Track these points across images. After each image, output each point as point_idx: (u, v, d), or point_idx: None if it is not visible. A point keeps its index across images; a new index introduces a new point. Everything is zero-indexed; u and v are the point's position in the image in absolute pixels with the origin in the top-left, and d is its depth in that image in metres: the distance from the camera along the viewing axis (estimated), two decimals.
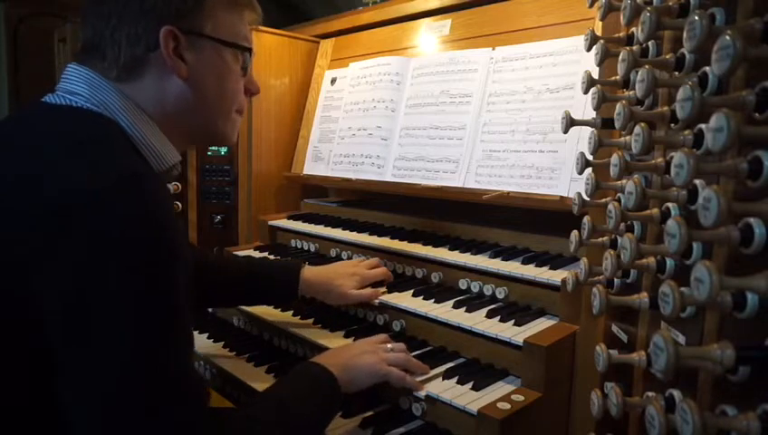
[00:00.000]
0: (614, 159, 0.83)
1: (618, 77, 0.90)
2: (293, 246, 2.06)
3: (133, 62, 0.96)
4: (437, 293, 1.48)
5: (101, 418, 0.79)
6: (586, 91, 0.97)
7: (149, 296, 0.80)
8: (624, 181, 0.84)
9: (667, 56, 0.79)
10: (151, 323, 0.80)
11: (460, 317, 1.34)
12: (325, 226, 1.99)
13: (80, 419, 0.80)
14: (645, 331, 0.87)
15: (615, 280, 0.95)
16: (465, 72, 1.76)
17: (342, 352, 1.25)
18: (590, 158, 0.98)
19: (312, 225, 2.03)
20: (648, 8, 0.74)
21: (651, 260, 0.79)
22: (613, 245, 0.93)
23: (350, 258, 1.80)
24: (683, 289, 0.61)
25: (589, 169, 0.98)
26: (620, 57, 0.83)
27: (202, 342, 1.71)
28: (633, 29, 0.92)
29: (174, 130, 1.02)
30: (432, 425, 1.21)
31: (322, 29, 2.39)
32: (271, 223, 2.16)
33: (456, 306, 1.41)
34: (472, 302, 1.41)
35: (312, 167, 2.21)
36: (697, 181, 0.68)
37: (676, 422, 0.58)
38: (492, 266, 1.43)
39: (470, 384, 1.20)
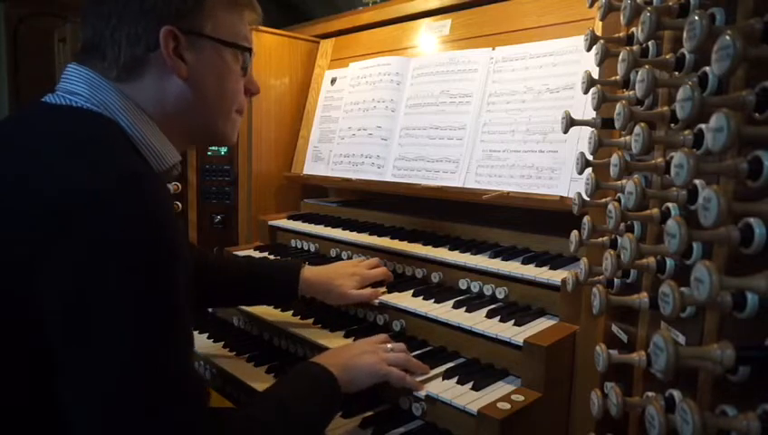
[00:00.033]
0: (614, 159, 0.83)
1: (618, 77, 0.90)
2: (293, 246, 2.06)
3: (133, 62, 0.96)
4: (437, 293, 1.48)
5: (101, 418, 0.79)
6: (586, 91, 0.97)
7: (149, 296, 0.80)
8: (624, 181, 0.84)
9: (667, 56, 0.79)
10: (151, 323, 0.80)
11: (460, 317, 1.34)
12: (325, 226, 1.99)
13: (80, 419, 0.80)
14: (645, 331, 0.87)
15: (615, 280, 0.95)
16: (465, 72, 1.76)
17: (342, 353, 1.25)
18: (590, 158, 0.98)
19: (312, 225, 2.03)
20: (648, 8, 0.74)
21: (651, 260, 0.79)
22: (613, 245, 0.93)
23: (350, 258, 1.80)
24: (683, 289, 0.61)
25: (589, 169, 0.98)
26: (620, 57, 0.83)
27: (202, 342, 1.71)
28: (633, 29, 0.92)
29: (174, 130, 1.02)
30: (432, 425, 1.21)
31: (322, 29, 2.38)
32: (271, 223, 2.16)
33: (455, 306, 1.41)
34: (472, 302, 1.41)
35: (312, 167, 2.21)
36: (697, 181, 0.68)
37: (676, 422, 0.58)
38: (492, 266, 1.43)
39: (470, 384, 1.20)
